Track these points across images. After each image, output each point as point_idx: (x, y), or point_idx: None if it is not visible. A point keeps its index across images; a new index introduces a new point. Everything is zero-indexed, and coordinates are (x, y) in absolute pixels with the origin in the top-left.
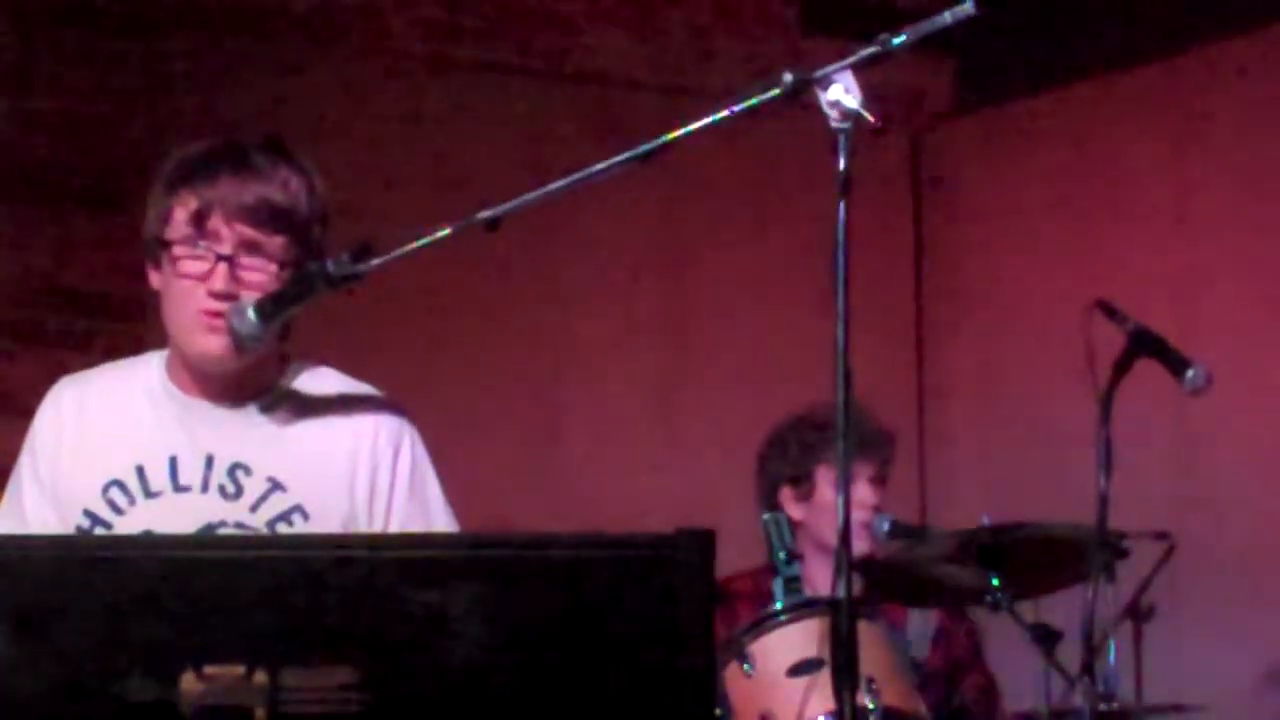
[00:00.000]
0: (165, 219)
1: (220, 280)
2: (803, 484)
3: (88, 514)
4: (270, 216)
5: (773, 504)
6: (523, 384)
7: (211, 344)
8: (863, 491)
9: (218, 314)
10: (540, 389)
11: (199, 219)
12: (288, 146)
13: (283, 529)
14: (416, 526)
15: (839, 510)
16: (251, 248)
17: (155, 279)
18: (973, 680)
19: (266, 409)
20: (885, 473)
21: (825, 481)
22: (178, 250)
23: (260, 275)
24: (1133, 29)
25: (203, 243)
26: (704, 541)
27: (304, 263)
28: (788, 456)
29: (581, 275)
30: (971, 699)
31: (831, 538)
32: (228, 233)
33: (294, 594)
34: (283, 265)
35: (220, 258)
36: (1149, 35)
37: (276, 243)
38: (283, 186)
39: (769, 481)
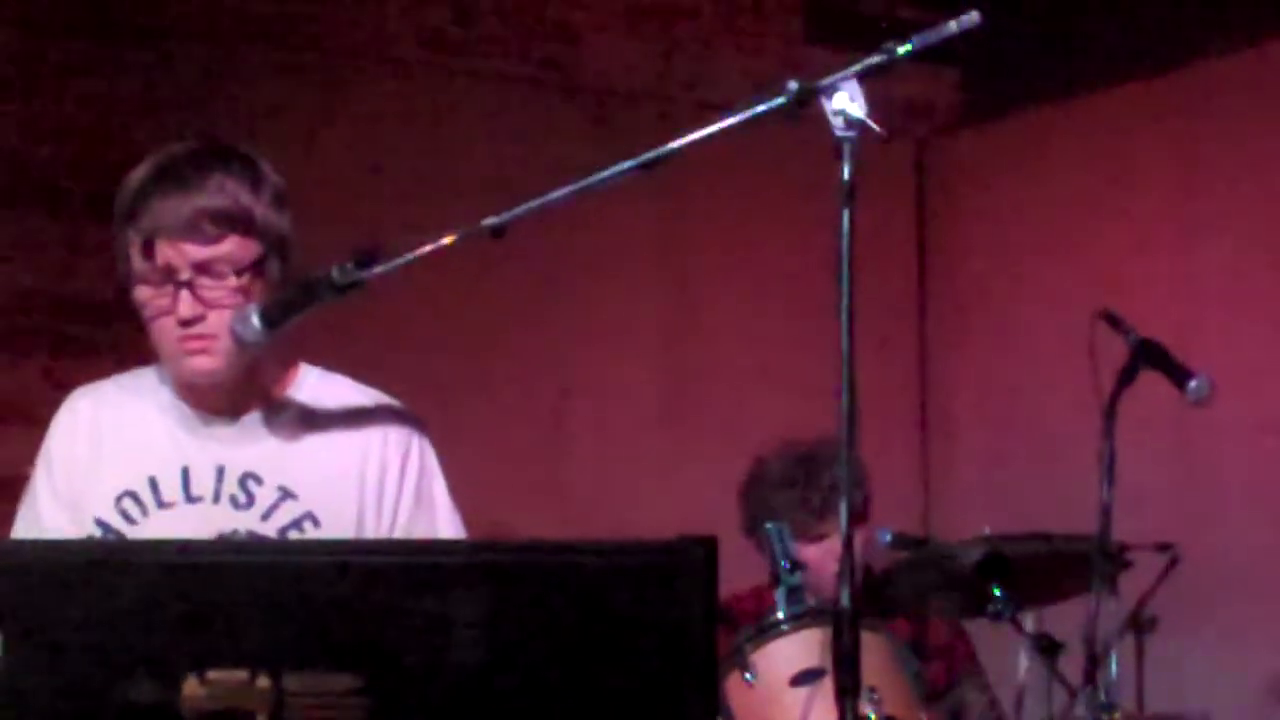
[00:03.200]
0: (126, 258)
1: (185, 308)
2: None
3: (100, 524)
4: (212, 225)
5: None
6: (527, 393)
7: (199, 366)
8: (835, 545)
9: (192, 338)
10: (545, 398)
11: (148, 252)
12: (223, 144)
13: (294, 537)
14: (421, 533)
15: (841, 518)
16: (205, 265)
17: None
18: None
19: (276, 418)
20: (862, 515)
21: (796, 539)
22: (140, 291)
23: (221, 290)
24: (1137, 41)
25: (157, 275)
26: (707, 548)
27: (269, 256)
28: (758, 515)
29: (586, 286)
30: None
31: (815, 588)
32: (178, 258)
33: (297, 599)
34: (242, 270)
35: (179, 285)
36: (1153, 47)
37: (227, 249)
38: (218, 191)
39: (752, 528)
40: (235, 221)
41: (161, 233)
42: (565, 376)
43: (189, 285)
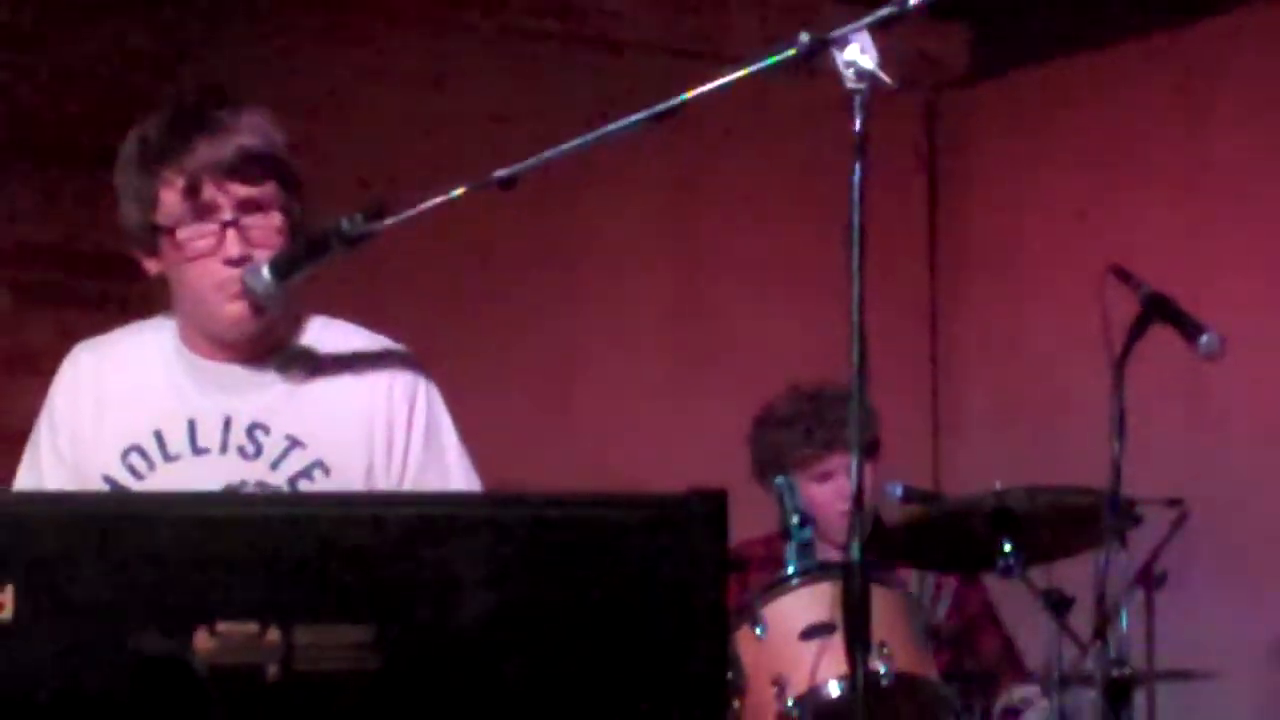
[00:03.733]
0: (152, 204)
1: (234, 247)
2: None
3: (107, 480)
4: (256, 165)
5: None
6: (536, 348)
7: (240, 310)
8: (842, 484)
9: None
10: (554, 353)
11: (191, 193)
12: (231, 94)
13: (304, 485)
14: (432, 478)
15: (851, 477)
16: (250, 204)
17: (152, 265)
18: (990, 642)
19: (283, 367)
20: (871, 455)
21: (803, 479)
22: (181, 233)
23: (266, 230)
24: None
25: (195, 214)
26: (717, 502)
27: (296, 204)
28: (765, 457)
29: (597, 241)
30: (992, 661)
31: (823, 529)
32: (223, 198)
33: (308, 552)
34: (282, 211)
35: (225, 224)
36: (1164, 1)
37: (270, 190)
38: (253, 131)
39: (760, 471)
40: (272, 162)
41: (207, 173)
42: (574, 332)
43: (234, 224)
